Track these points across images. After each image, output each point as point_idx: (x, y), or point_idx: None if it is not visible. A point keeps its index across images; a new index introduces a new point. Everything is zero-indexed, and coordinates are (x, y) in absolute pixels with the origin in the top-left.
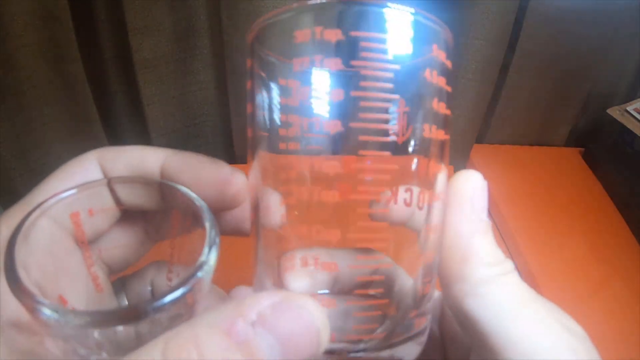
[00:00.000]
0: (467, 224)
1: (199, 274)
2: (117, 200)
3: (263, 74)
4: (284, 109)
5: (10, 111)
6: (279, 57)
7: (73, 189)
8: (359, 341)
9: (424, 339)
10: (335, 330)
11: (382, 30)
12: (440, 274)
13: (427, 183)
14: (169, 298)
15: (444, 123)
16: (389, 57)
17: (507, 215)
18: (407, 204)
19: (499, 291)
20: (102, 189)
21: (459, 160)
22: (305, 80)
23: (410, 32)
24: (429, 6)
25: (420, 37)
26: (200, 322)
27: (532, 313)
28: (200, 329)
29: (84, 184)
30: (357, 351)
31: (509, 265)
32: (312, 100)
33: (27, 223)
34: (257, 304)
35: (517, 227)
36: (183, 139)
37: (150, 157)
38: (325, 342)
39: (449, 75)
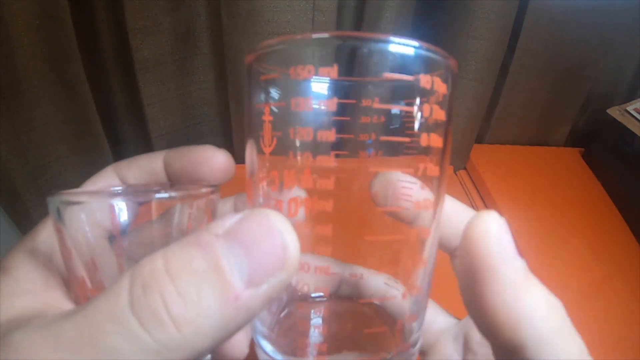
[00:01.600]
0: (512, 275)
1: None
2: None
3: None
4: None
5: (10, 111)
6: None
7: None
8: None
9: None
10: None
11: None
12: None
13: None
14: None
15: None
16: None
17: (507, 215)
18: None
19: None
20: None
21: (459, 160)
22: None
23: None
24: (430, 7)
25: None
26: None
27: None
28: (171, 245)
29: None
30: None
31: (561, 308)
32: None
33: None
34: (223, 222)
35: (517, 227)
36: (183, 139)
37: (155, 158)
38: (292, 251)
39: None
